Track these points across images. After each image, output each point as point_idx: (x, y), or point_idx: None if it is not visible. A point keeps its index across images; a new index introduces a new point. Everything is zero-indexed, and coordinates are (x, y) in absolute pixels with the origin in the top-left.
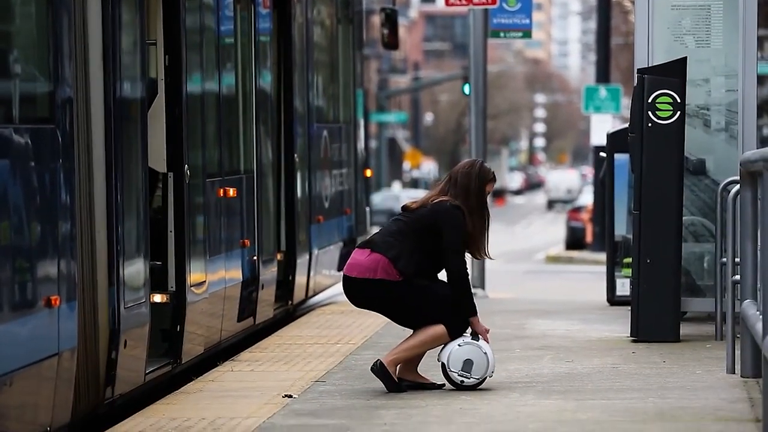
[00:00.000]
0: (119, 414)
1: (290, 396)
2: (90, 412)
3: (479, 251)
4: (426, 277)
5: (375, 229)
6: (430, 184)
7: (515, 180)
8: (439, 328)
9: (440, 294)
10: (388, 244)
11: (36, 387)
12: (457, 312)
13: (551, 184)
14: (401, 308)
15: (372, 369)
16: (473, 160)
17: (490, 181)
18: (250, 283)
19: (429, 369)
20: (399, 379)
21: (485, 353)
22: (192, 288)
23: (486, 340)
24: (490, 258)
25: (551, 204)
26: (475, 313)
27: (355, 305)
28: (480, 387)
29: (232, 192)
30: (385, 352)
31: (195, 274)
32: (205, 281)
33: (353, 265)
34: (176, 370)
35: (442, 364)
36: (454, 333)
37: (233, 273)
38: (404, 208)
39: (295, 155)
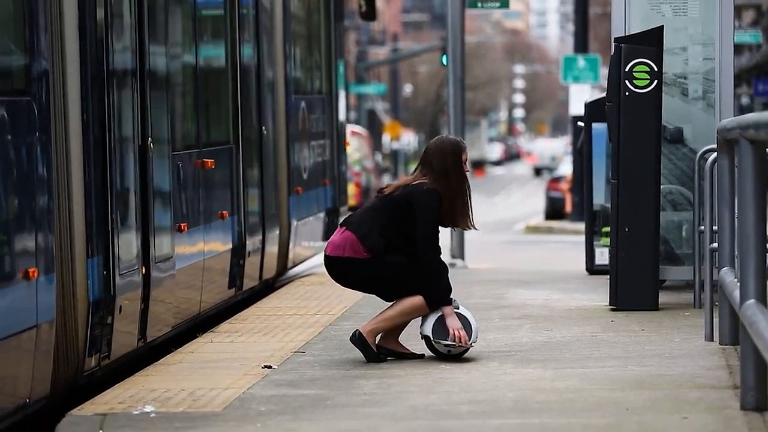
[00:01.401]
0: (99, 386)
1: (269, 367)
2: (70, 384)
3: (467, 224)
4: (400, 254)
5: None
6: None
7: (495, 151)
8: (418, 299)
9: (415, 267)
10: (361, 221)
11: (14, 359)
12: (434, 283)
13: (537, 152)
14: (375, 283)
15: (351, 339)
16: (438, 138)
17: (462, 151)
18: (230, 255)
19: (409, 339)
20: (378, 348)
21: (468, 319)
22: (158, 264)
23: (455, 338)
24: (476, 228)
25: (538, 171)
26: (448, 303)
27: (337, 282)
28: (459, 357)
29: (207, 164)
30: (364, 322)
31: (160, 248)
32: (171, 256)
33: (329, 243)
34: (141, 349)
35: (426, 337)
36: (432, 304)
37: (210, 246)
38: (380, 191)
39: (274, 127)
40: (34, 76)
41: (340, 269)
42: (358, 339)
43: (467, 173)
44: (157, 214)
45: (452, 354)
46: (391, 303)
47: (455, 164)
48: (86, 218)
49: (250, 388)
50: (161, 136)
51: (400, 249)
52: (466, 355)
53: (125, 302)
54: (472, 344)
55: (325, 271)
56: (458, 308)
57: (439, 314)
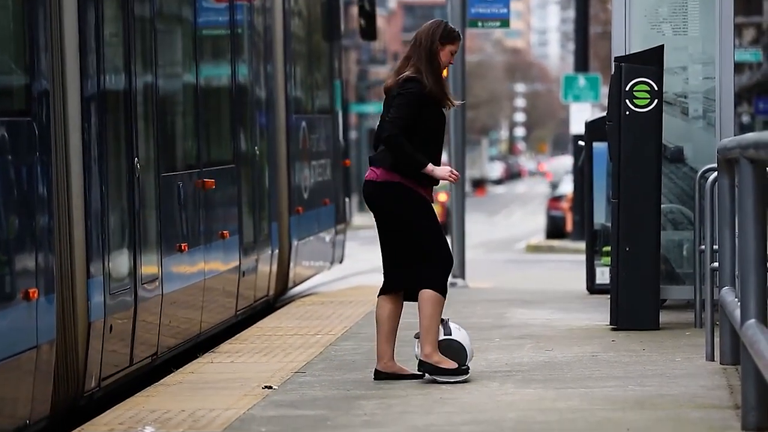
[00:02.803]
0: (99, 407)
1: (270, 387)
2: (70, 405)
3: (449, 101)
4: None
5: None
6: None
7: (496, 170)
8: (430, 294)
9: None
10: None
11: (15, 380)
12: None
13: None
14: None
15: (420, 370)
16: (426, 23)
17: (446, 37)
18: (231, 275)
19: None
20: (378, 373)
21: (461, 343)
22: (144, 285)
23: (449, 178)
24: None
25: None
26: (424, 164)
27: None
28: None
29: (208, 184)
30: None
31: (147, 269)
32: (158, 278)
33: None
34: (129, 369)
35: (423, 374)
36: (441, 288)
37: (211, 265)
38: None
39: (275, 147)
40: (35, 97)
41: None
42: (429, 369)
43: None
44: (156, 234)
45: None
46: (419, 312)
47: (432, 46)
48: (86, 238)
49: (250, 409)
50: (160, 156)
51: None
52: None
53: (117, 322)
54: (468, 368)
55: (326, 290)
56: (450, 334)
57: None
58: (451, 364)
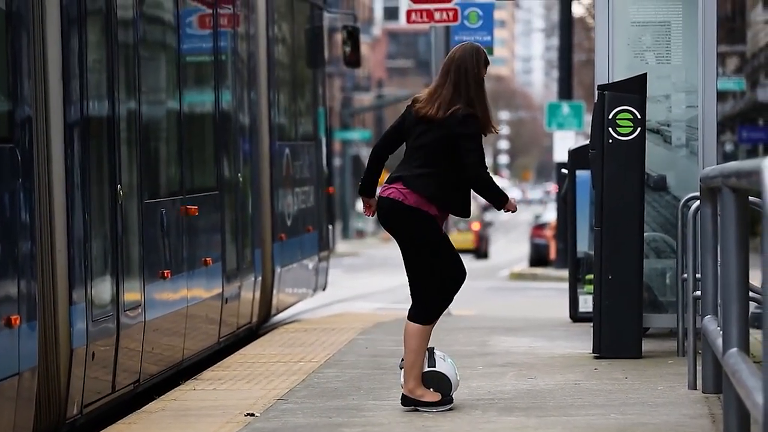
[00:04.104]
0: None
1: (252, 414)
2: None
3: (494, 128)
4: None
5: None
6: None
7: (479, 197)
8: (418, 327)
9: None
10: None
11: None
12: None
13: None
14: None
15: (403, 404)
16: (462, 45)
17: (486, 62)
18: (214, 302)
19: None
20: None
21: (445, 375)
22: (126, 312)
23: (513, 209)
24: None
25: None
26: (506, 198)
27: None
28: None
29: (191, 211)
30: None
31: (129, 296)
32: (140, 304)
33: None
34: (111, 396)
35: (405, 404)
36: (430, 322)
37: (193, 292)
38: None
39: (258, 173)
40: (17, 123)
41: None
42: (411, 403)
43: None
44: (139, 261)
45: (435, 411)
46: (404, 347)
47: (479, 71)
48: (68, 265)
49: None
50: (143, 183)
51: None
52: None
53: (99, 349)
54: (452, 399)
55: (309, 317)
56: (434, 366)
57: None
58: (435, 397)
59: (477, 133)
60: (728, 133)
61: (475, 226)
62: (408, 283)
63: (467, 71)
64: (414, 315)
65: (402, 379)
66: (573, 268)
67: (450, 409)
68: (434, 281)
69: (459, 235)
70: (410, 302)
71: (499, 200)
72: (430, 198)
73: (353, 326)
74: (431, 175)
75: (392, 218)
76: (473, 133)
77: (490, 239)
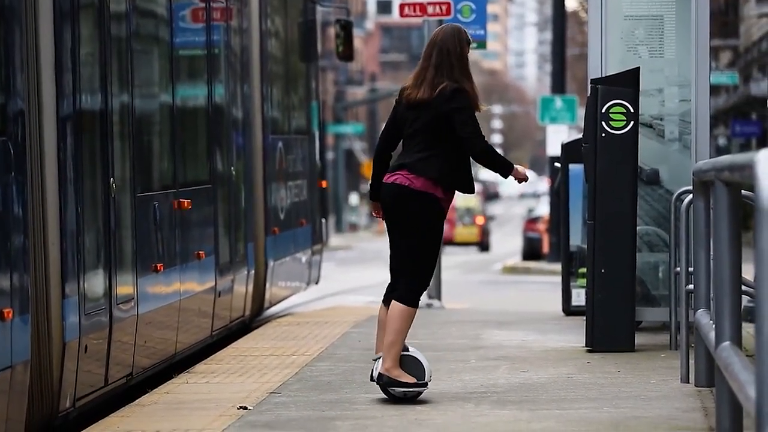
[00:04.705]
0: (74, 427)
1: (245, 408)
2: (45, 425)
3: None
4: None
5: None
6: None
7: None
8: (404, 309)
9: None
10: None
11: None
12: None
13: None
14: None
15: (378, 383)
16: (441, 27)
17: (468, 41)
18: (207, 295)
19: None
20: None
21: (419, 359)
22: (119, 305)
23: (523, 177)
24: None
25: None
26: (512, 165)
27: None
28: (434, 397)
29: (184, 204)
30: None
31: (122, 289)
32: (133, 298)
33: None
34: (104, 389)
35: (381, 385)
36: (415, 305)
37: (186, 286)
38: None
39: (251, 167)
40: (10, 116)
41: None
42: (387, 382)
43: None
44: (132, 254)
45: (408, 397)
46: (387, 327)
47: (462, 50)
48: (61, 258)
49: (225, 430)
50: (136, 176)
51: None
52: (442, 396)
53: (92, 342)
54: (428, 383)
55: (302, 311)
56: (408, 350)
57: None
58: (410, 379)
59: (468, 105)
60: (721, 127)
61: (480, 220)
62: (390, 266)
63: (449, 51)
64: (402, 297)
65: (376, 371)
66: (566, 262)
67: (419, 394)
68: (426, 264)
69: (464, 229)
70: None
71: (504, 168)
72: (436, 180)
73: (346, 319)
74: (433, 157)
75: (398, 202)
76: (464, 105)
77: (491, 232)
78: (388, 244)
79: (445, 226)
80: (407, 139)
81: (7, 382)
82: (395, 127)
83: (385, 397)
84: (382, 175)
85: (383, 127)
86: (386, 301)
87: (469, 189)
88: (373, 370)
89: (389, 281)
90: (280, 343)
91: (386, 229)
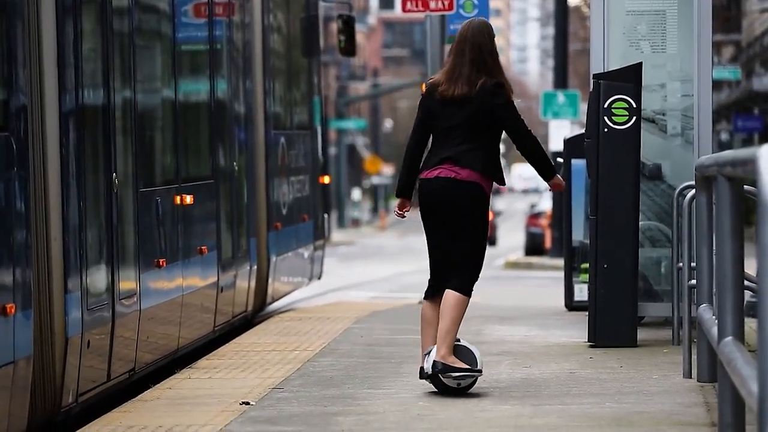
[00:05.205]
0: (77, 423)
1: (247, 403)
2: (47, 421)
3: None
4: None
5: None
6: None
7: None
8: (460, 298)
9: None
10: None
11: None
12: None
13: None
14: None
15: (433, 372)
16: (468, 22)
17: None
18: (209, 291)
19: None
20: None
21: (469, 348)
22: (122, 300)
23: (561, 188)
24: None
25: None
26: (555, 171)
27: None
28: (436, 393)
29: (186, 199)
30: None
31: (125, 285)
32: (136, 293)
33: None
34: (106, 384)
35: (435, 374)
36: (470, 293)
37: (189, 281)
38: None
39: (253, 162)
40: (13, 111)
41: None
42: (442, 369)
43: None
44: (134, 250)
45: (461, 387)
46: (440, 316)
47: (493, 44)
48: (64, 254)
49: (227, 425)
50: (138, 171)
51: None
52: (444, 390)
53: (95, 337)
54: (482, 370)
55: (304, 306)
56: (459, 341)
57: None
58: (464, 365)
59: (510, 100)
60: (723, 122)
61: (489, 215)
62: (432, 262)
63: (481, 47)
64: (457, 286)
65: (426, 362)
66: (568, 257)
67: (473, 381)
68: (478, 254)
69: None
70: (405, 291)
71: (550, 168)
72: (481, 172)
73: (348, 315)
74: (475, 150)
75: (446, 195)
76: (508, 100)
77: (498, 227)
78: (428, 239)
79: None
80: (443, 133)
81: (10, 378)
82: (426, 125)
83: (388, 392)
84: (414, 174)
85: (414, 126)
86: (429, 297)
87: (503, 181)
88: (423, 365)
89: (430, 277)
90: (282, 339)
91: (427, 224)
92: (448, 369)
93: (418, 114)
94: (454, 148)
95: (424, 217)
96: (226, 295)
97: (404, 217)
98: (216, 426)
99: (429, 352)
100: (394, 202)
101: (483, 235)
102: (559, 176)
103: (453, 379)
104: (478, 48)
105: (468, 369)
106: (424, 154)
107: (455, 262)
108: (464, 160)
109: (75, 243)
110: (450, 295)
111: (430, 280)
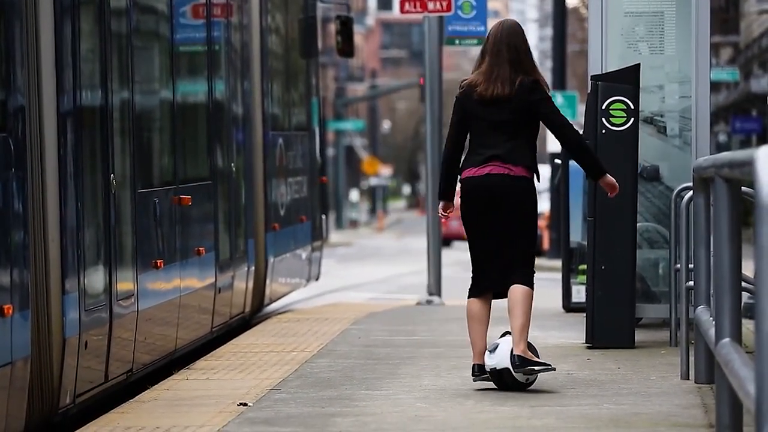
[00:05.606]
0: (74, 423)
1: (245, 404)
2: (44, 421)
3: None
4: None
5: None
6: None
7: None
8: (526, 290)
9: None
10: None
11: None
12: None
13: None
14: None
15: (514, 367)
16: (500, 23)
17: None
18: (207, 292)
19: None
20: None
21: (532, 344)
22: (119, 301)
23: (613, 188)
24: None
25: None
26: (604, 170)
27: None
28: (434, 394)
29: (184, 200)
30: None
31: (122, 286)
32: (133, 294)
33: None
34: (104, 385)
35: (506, 369)
36: (533, 283)
37: (186, 282)
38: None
39: (251, 163)
40: (11, 112)
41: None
42: (521, 363)
43: None
44: (132, 250)
45: (528, 382)
46: (511, 312)
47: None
48: (61, 254)
49: (225, 426)
50: (136, 172)
51: None
52: (443, 393)
53: (92, 338)
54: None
55: (302, 307)
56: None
57: (506, 344)
58: (539, 360)
59: (548, 96)
60: (721, 123)
61: None
62: (481, 261)
63: (518, 47)
64: (524, 280)
65: (480, 357)
66: (566, 259)
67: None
68: (534, 245)
69: None
70: (403, 292)
71: (597, 166)
72: (529, 167)
73: (346, 316)
74: (522, 146)
75: (502, 191)
76: (547, 96)
77: None
78: (476, 237)
79: (457, 223)
80: (484, 131)
81: (7, 378)
82: (463, 127)
83: (386, 393)
84: (454, 178)
85: (452, 128)
86: (477, 295)
87: (539, 178)
88: (477, 363)
89: (475, 275)
90: (280, 340)
91: (477, 222)
92: (527, 363)
93: (456, 115)
94: (500, 145)
95: (472, 215)
96: (223, 296)
97: (449, 217)
98: (213, 427)
99: (494, 349)
100: (439, 205)
101: (536, 228)
102: (610, 176)
103: (524, 374)
104: (515, 48)
105: (544, 363)
106: (462, 155)
107: (514, 257)
108: (513, 157)
109: (73, 244)
110: (519, 290)
111: (475, 278)
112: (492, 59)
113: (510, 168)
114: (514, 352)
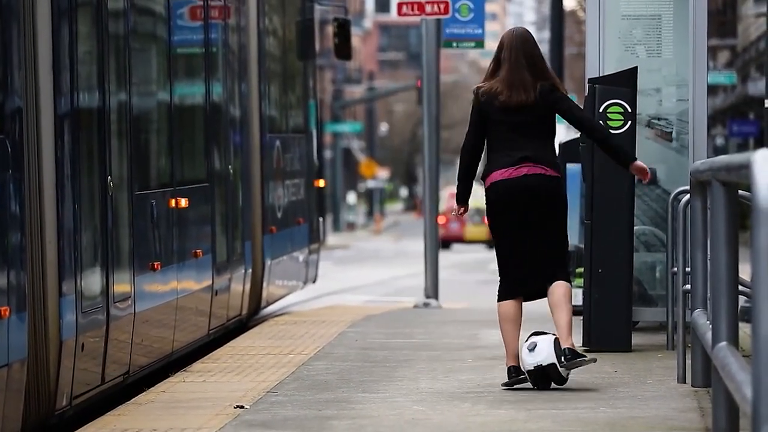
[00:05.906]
0: (70, 426)
1: (242, 407)
2: (41, 423)
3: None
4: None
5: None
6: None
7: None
8: (568, 286)
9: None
10: None
11: None
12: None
13: None
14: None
15: (566, 361)
16: (512, 32)
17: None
18: (204, 294)
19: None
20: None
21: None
22: (116, 303)
23: (644, 174)
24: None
25: None
26: (634, 156)
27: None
28: (430, 397)
29: (177, 203)
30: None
31: (119, 288)
32: (130, 296)
33: None
34: (100, 387)
35: (552, 365)
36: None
37: (183, 284)
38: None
39: (249, 166)
40: (8, 114)
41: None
42: (572, 356)
43: None
44: (129, 253)
45: (566, 378)
46: (555, 311)
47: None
48: (58, 257)
49: (222, 428)
50: (133, 174)
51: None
52: (440, 396)
53: (89, 340)
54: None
55: (299, 310)
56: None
57: (554, 338)
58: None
59: (566, 94)
60: (719, 126)
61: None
62: (518, 261)
63: (533, 55)
64: (563, 277)
65: (530, 356)
66: None
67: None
68: (567, 243)
69: (474, 228)
70: (400, 294)
71: (625, 153)
72: (557, 167)
73: (343, 319)
74: (547, 146)
75: (541, 191)
76: (564, 94)
77: None
78: (513, 239)
79: (456, 225)
80: (509, 134)
81: (4, 380)
82: (481, 132)
83: (383, 396)
84: (472, 179)
85: (470, 134)
86: (511, 296)
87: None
88: (513, 365)
89: (509, 277)
90: (277, 342)
91: (513, 223)
92: (577, 355)
93: (474, 121)
94: (527, 147)
95: (508, 216)
96: (220, 299)
97: (462, 216)
98: (210, 429)
99: (533, 348)
100: (453, 205)
101: (566, 225)
102: (640, 162)
103: (566, 369)
104: (530, 56)
105: (590, 359)
106: (480, 161)
107: (552, 256)
108: (544, 157)
109: (69, 246)
110: (563, 287)
111: (506, 280)
112: (512, 66)
113: (544, 168)
114: (563, 346)
